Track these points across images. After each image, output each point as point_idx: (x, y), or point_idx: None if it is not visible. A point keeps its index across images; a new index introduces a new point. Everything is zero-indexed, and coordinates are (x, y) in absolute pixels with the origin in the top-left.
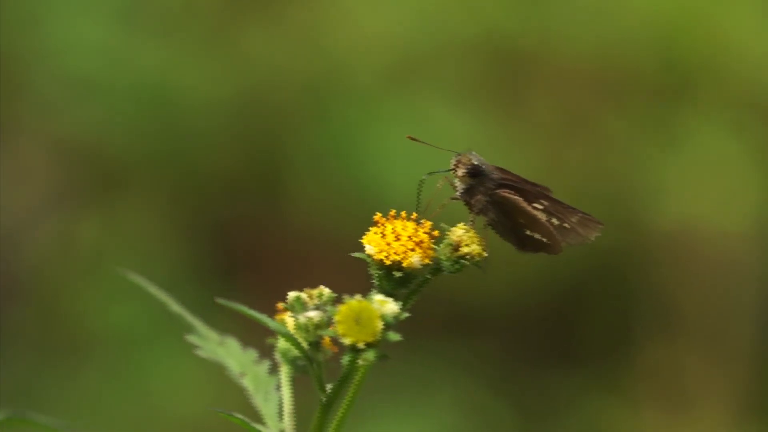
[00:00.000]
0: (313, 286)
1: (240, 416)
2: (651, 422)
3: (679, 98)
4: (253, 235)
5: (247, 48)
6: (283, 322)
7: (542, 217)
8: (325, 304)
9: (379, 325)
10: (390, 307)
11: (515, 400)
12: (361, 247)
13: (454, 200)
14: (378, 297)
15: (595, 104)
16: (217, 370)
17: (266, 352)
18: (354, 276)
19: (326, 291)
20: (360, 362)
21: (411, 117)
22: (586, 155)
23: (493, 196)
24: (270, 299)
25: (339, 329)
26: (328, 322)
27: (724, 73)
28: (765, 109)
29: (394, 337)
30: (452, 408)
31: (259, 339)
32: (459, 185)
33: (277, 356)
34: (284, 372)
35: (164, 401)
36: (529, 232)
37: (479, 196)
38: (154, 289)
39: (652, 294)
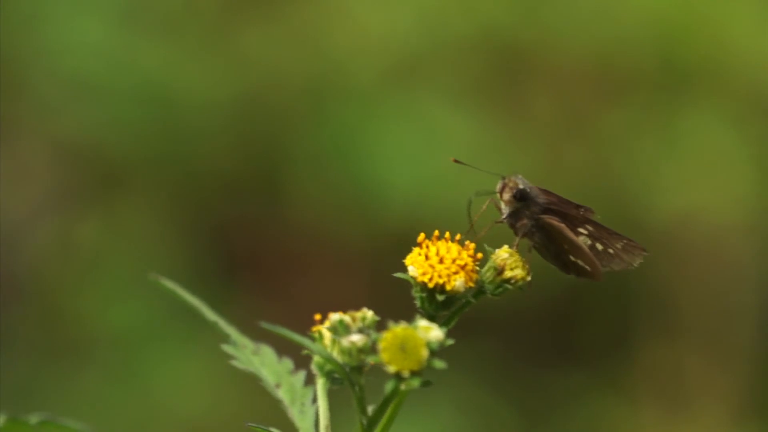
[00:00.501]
0: (314, 286)
1: (276, 431)
2: (651, 421)
3: (678, 96)
4: (253, 235)
5: (246, 48)
6: (320, 335)
7: (585, 244)
8: (368, 327)
9: (425, 353)
10: (435, 334)
11: (515, 400)
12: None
13: (499, 223)
14: (423, 323)
15: (594, 102)
16: (218, 371)
17: (297, 359)
18: (354, 276)
19: (369, 314)
20: (403, 388)
21: (410, 117)
22: (585, 153)
23: (538, 221)
24: (270, 299)
25: (384, 357)
26: (371, 346)
27: (722, 70)
28: (763, 106)
29: (440, 364)
30: (452, 407)
31: (266, 338)
32: (504, 208)
33: (313, 368)
34: (320, 385)
35: (164, 401)
36: (572, 258)
37: (524, 221)
38: (187, 296)
39: (652, 292)
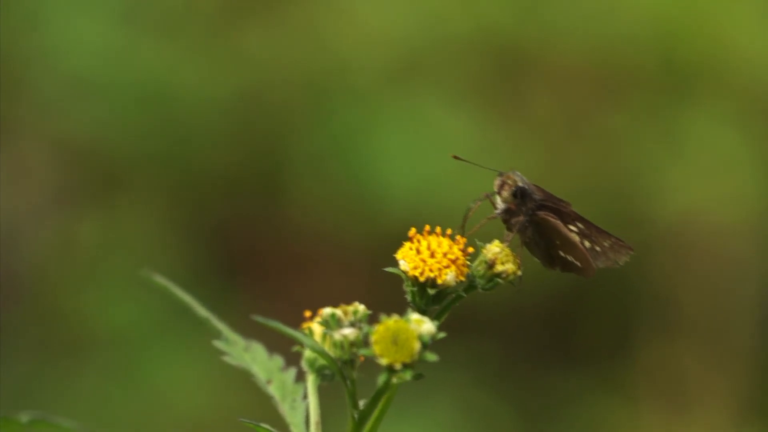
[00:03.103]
0: (314, 285)
1: (267, 426)
2: (651, 421)
3: (680, 95)
4: (253, 235)
5: (247, 48)
6: (310, 331)
7: (578, 240)
8: (360, 320)
9: (417, 345)
10: (427, 327)
11: (514, 400)
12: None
13: (491, 219)
14: (414, 316)
15: (595, 101)
16: (218, 371)
17: (288, 356)
18: (354, 275)
19: (361, 308)
20: (395, 381)
21: (411, 116)
22: (586, 153)
23: (533, 217)
24: (270, 299)
25: (376, 349)
26: (363, 340)
27: (724, 70)
28: (765, 104)
29: (431, 357)
30: (452, 408)
31: (262, 338)
32: (500, 204)
33: (304, 364)
34: (311, 381)
35: (164, 400)
36: (562, 254)
37: (520, 217)
38: (179, 292)
39: (653, 292)
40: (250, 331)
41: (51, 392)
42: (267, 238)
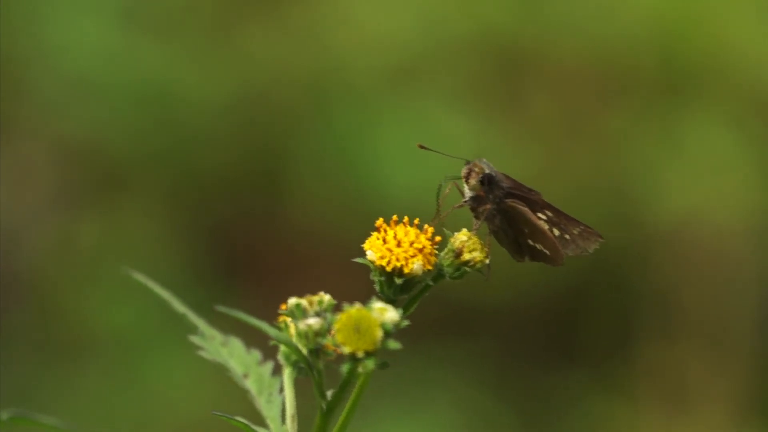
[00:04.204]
0: (314, 285)
1: (241, 419)
2: (652, 422)
3: (679, 95)
4: (254, 235)
5: (247, 48)
6: (286, 325)
7: (547, 228)
8: (325, 310)
9: (379, 333)
10: (390, 315)
11: (514, 401)
12: (362, 252)
13: (458, 208)
14: (378, 305)
15: (594, 102)
16: (217, 372)
17: (270, 352)
18: (355, 276)
19: (326, 297)
20: (360, 370)
21: (411, 116)
22: (586, 153)
23: (500, 205)
24: (270, 299)
25: (338, 338)
26: (328, 330)
27: (723, 70)
28: (765, 105)
29: (394, 345)
30: (452, 408)
31: (262, 338)
32: (467, 192)
33: (280, 358)
34: (287, 374)
35: (164, 401)
36: (531, 242)
37: (487, 205)
38: (157, 288)
39: (653, 293)
40: (253, 330)
41: (51, 392)
42: (267, 238)
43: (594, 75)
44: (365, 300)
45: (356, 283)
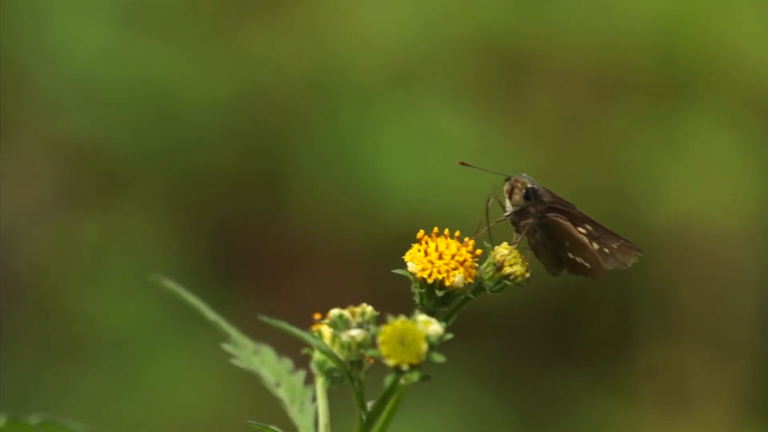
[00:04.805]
0: (314, 286)
1: (276, 429)
2: (652, 422)
3: (679, 97)
4: (254, 235)
5: (247, 48)
6: (320, 334)
7: (588, 242)
8: (367, 322)
9: (424, 346)
10: (434, 328)
11: (516, 401)
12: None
13: (500, 222)
14: (422, 317)
15: (595, 102)
16: (218, 372)
17: (297, 360)
18: (355, 275)
19: (369, 309)
20: (402, 382)
21: (412, 116)
22: (586, 154)
23: (542, 219)
24: (271, 299)
25: (383, 350)
26: (370, 341)
27: (723, 71)
28: (764, 107)
29: (438, 358)
30: (452, 409)
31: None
32: (509, 206)
33: (313, 367)
34: (320, 383)
35: (165, 401)
36: (571, 256)
37: (529, 219)
38: (188, 296)
39: (653, 293)
40: (250, 330)
41: (52, 393)
42: (267, 238)
43: (594, 76)
44: (364, 301)
45: (356, 282)
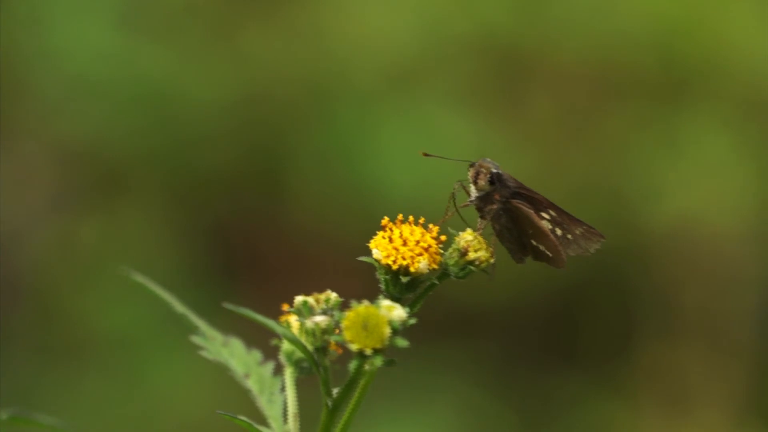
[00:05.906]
0: (315, 286)
1: (244, 418)
2: (652, 423)
3: (678, 97)
4: (254, 236)
5: (247, 49)
6: (288, 324)
7: (549, 230)
8: (332, 308)
9: (387, 331)
10: (397, 313)
11: (514, 402)
12: (368, 250)
13: (464, 207)
14: (385, 303)
15: (594, 103)
16: (218, 372)
17: (270, 352)
18: (357, 275)
19: (333, 295)
20: (366, 367)
21: (412, 116)
22: (585, 154)
23: (506, 204)
24: (271, 299)
25: (346, 335)
26: (335, 327)
27: (723, 71)
28: (763, 107)
29: (402, 342)
30: (450, 409)
31: (263, 339)
32: (474, 191)
33: (282, 358)
34: (288, 374)
35: (164, 402)
36: (534, 242)
37: (494, 204)
38: (157, 290)
39: (653, 294)
40: (253, 331)
41: (51, 393)
42: (267, 238)
43: (593, 76)
44: (369, 299)
45: (357, 282)
